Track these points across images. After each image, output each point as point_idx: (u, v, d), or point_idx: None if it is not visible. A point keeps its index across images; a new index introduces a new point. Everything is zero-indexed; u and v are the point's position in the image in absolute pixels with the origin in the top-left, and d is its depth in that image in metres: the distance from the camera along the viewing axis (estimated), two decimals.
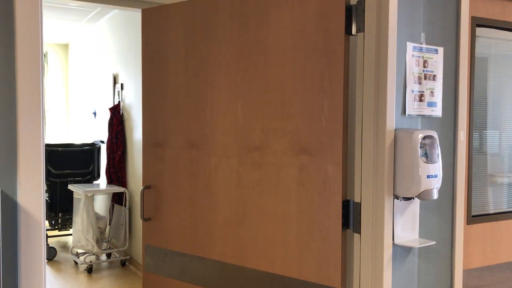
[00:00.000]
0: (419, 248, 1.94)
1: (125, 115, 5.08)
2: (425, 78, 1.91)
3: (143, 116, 2.59)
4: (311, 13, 1.99)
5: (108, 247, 5.22)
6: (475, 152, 2.27)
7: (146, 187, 2.56)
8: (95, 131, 6.25)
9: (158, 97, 2.51)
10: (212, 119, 2.30)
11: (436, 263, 1.99)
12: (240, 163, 2.22)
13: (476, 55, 2.24)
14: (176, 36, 2.42)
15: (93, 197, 4.78)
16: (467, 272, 2.20)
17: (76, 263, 4.96)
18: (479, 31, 2.24)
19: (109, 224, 5.26)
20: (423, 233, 1.95)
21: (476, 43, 2.23)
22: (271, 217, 2.13)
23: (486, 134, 2.32)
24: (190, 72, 2.37)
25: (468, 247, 2.21)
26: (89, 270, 4.67)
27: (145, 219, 2.57)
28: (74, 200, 4.84)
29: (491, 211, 2.32)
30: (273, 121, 2.11)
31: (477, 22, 2.19)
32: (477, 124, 2.26)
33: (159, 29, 2.49)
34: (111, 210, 5.22)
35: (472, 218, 2.22)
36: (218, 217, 2.30)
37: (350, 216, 1.94)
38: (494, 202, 2.35)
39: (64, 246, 5.70)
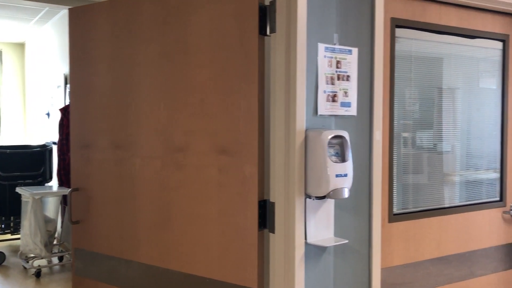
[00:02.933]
0: (335, 247, 1.96)
1: None
2: (339, 79, 1.93)
3: (71, 117, 2.55)
4: (228, 13, 1.98)
5: (60, 250, 5.12)
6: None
7: (74, 190, 2.51)
8: (49, 132, 6.13)
9: (85, 97, 2.47)
10: (136, 120, 2.28)
11: (353, 261, 2.02)
12: (163, 164, 2.20)
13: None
14: (102, 36, 2.39)
15: (42, 199, 4.68)
16: (389, 270, 2.23)
17: (25, 267, 4.85)
18: (402, 32, 2.28)
19: (61, 227, 5.16)
20: (339, 232, 1.97)
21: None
22: (194, 218, 2.12)
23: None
24: (115, 72, 2.34)
25: (390, 245, 2.24)
26: (38, 274, 4.57)
27: (74, 222, 2.52)
28: (22, 203, 4.73)
29: (414, 209, 2.36)
30: (195, 122, 2.10)
31: (397, 23, 2.22)
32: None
33: (86, 28, 2.45)
34: (63, 213, 5.12)
35: (394, 216, 2.25)
36: (144, 219, 2.28)
37: (266, 216, 1.95)
38: (417, 200, 2.40)
39: (16, 250, 5.56)
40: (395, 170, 2.26)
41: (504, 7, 2.51)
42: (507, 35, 2.61)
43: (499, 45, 2.62)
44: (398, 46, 2.24)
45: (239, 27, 1.95)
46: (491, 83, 2.65)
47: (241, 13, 1.94)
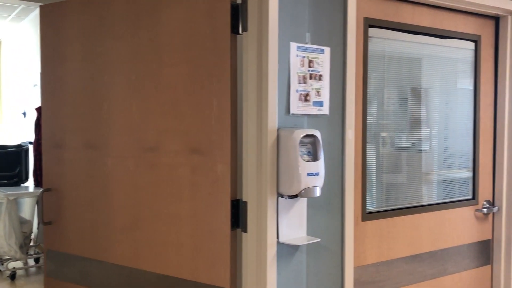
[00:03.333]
0: (308, 246, 1.96)
1: None
2: (311, 78, 1.93)
3: (43, 116, 2.51)
4: (200, 11, 1.97)
5: (36, 251, 5.04)
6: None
7: (46, 190, 2.47)
8: (25, 132, 6.02)
9: (57, 96, 2.43)
10: (108, 119, 2.25)
11: (326, 260, 2.02)
12: (136, 164, 2.18)
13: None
14: (73, 34, 2.35)
15: (17, 200, 4.59)
16: (363, 268, 2.24)
17: None
18: (375, 32, 2.29)
19: (37, 228, 5.08)
20: (312, 231, 1.97)
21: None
22: (166, 219, 2.10)
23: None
24: (87, 71, 2.31)
25: (364, 244, 2.25)
26: (12, 276, 4.49)
27: (46, 223, 2.48)
28: None
29: (387, 208, 2.38)
30: (167, 121, 2.08)
31: (370, 23, 2.24)
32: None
33: (57, 26, 2.41)
34: (39, 214, 5.03)
35: (367, 215, 2.26)
36: (116, 219, 2.25)
37: (239, 215, 1.94)
38: (391, 199, 2.42)
39: None
40: (372, 168, 2.27)
41: (475, 8, 2.54)
42: (479, 36, 2.65)
43: (472, 45, 2.65)
44: (371, 46, 2.26)
45: (211, 26, 1.94)
46: (465, 83, 2.68)
47: (213, 12, 1.93)
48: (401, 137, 2.46)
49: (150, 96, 2.12)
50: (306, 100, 1.92)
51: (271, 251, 1.82)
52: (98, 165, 2.29)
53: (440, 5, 2.45)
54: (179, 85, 2.04)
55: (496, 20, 2.72)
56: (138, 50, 2.14)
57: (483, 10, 2.57)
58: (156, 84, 2.10)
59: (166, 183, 2.09)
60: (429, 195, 2.56)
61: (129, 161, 2.18)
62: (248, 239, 1.88)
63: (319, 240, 1.89)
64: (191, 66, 2.00)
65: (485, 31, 2.68)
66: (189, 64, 2.01)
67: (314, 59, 1.93)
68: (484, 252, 2.76)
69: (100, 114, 2.27)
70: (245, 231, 1.89)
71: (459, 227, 2.63)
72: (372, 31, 2.25)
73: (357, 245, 2.22)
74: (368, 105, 2.25)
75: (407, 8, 2.36)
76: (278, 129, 1.84)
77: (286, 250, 1.89)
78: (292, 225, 1.90)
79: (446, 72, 2.59)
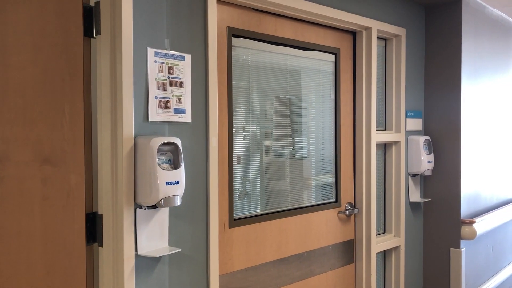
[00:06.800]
0: (170, 256, 1.91)
1: None
2: (171, 85, 1.90)
3: None
4: (50, 12, 1.83)
5: None
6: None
7: None
8: None
9: None
10: None
11: (190, 270, 1.99)
12: None
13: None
14: None
15: None
16: (230, 275, 2.25)
17: None
18: (239, 41, 2.32)
19: None
20: (175, 241, 1.93)
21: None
22: (15, 236, 1.91)
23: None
24: None
25: (231, 250, 2.26)
26: None
27: None
28: None
29: (255, 213, 2.42)
30: (15, 129, 1.90)
31: (234, 33, 2.27)
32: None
33: None
34: None
35: (235, 221, 2.28)
36: None
37: (96, 229, 1.83)
38: (259, 205, 2.46)
39: None
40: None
41: (334, 23, 2.72)
42: (338, 49, 2.83)
43: (332, 57, 2.83)
44: (236, 55, 2.29)
45: (63, 28, 1.81)
46: (329, 93, 2.85)
47: (65, 13, 1.81)
48: (273, 145, 2.52)
49: None
50: (166, 107, 1.88)
51: (129, 265, 1.74)
52: None
53: (301, 18, 2.57)
54: (29, 90, 1.88)
55: (353, 34, 2.94)
56: None
57: (341, 25, 2.76)
58: (2, 89, 1.91)
59: (15, 197, 1.90)
60: (298, 200, 2.66)
61: None
62: (104, 254, 1.77)
63: (180, 250, 1.85)
64: (41, 70, 1.85)
65: (344, 45, 2.88)
66: (39, 68, 1.86)
67: (174, 66, 1.90)
68: (348, 251, 2.94)
69: None
70: (101, 245, 1.79)
71: (324, 229, 2.78)
72: (236, 41, 2.29)
73: (225, 252, 2.22)
74: (236, 113, 2.27)
75: (270, 19, 2.44)
76: (135, 137, 1.77)
77: (146, 263, 1.82)
78: (153, 236, 1.84)
79: (312, 83, 2.73)
